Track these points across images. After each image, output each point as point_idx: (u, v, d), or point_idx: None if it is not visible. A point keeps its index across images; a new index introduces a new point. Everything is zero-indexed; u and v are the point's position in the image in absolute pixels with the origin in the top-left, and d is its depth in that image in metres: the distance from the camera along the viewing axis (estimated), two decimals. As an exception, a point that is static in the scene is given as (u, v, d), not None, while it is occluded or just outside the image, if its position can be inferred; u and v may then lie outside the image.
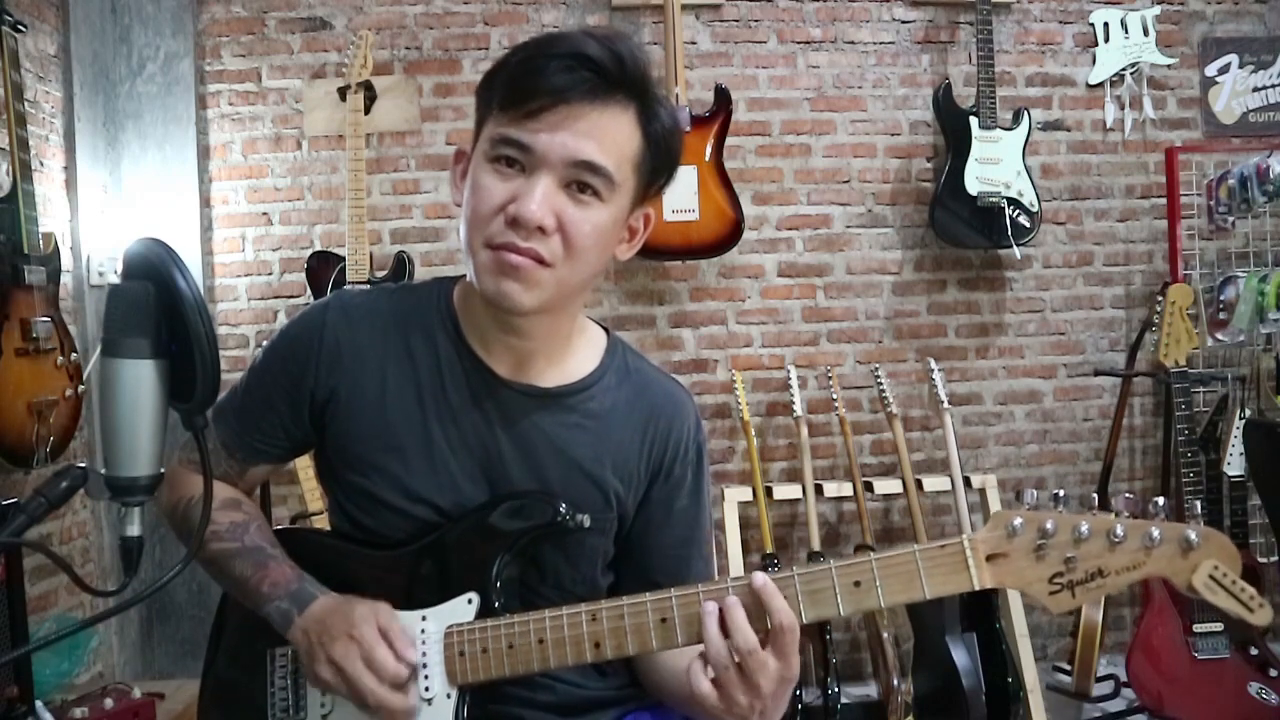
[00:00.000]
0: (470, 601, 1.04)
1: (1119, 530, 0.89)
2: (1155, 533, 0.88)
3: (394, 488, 1.08)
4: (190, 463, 1.18)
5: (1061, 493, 0.97)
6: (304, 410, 1.11)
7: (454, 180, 1.08)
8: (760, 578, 0.93)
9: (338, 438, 1.10)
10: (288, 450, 1.16)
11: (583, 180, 0.97)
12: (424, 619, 1.04)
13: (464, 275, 1.11)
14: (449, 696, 1.02)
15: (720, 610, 0.93)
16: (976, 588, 0.91)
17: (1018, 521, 0.90)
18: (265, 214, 3.00)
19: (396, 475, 1.08)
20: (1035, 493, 0.96)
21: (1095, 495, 2.98)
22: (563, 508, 1.04)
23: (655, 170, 1.04)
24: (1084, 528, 0.89)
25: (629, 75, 0.98)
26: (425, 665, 1.02)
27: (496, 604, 1.04)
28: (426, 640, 1.03)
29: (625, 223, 1.05)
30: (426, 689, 1.02)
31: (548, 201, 0.96)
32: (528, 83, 0.96)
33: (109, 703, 2.09)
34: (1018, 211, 2.93)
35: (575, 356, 1.13)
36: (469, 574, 1.05)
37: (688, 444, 1.16)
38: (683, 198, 2.80)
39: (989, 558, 0.91)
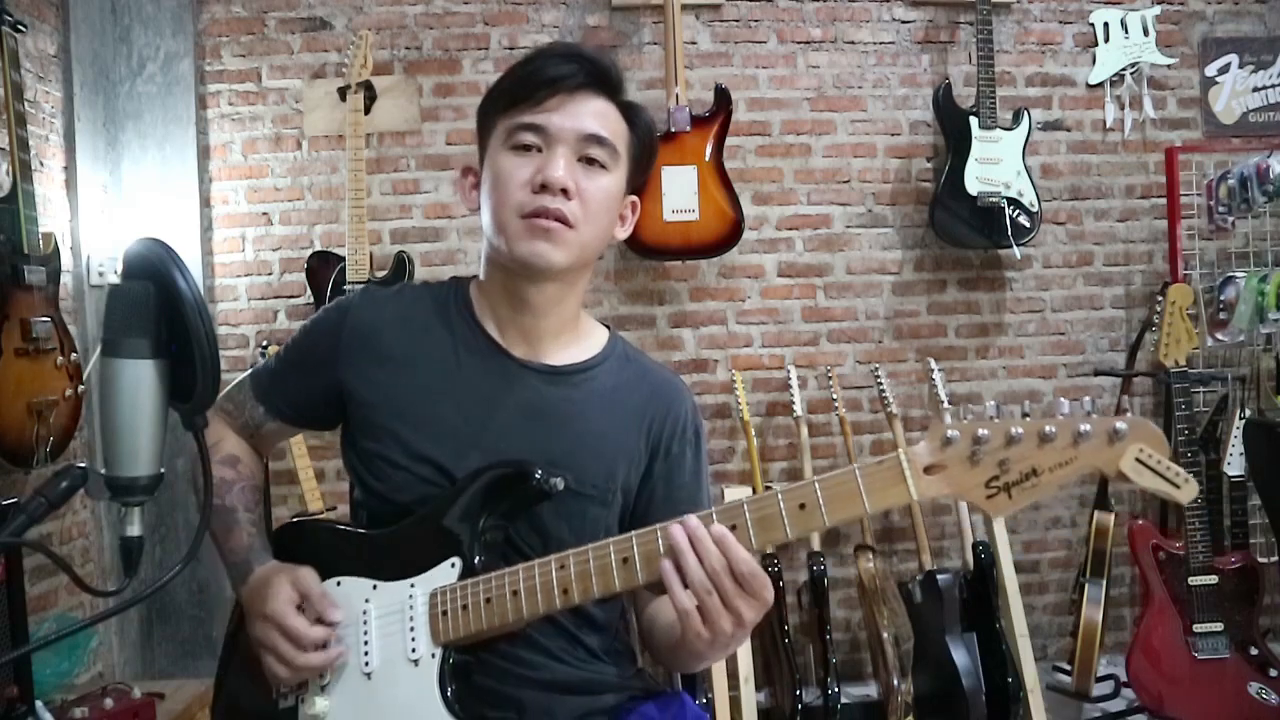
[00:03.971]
0: (453, 565, 1.10)
1: (1049, 429, 0.90)
2: (1084, 428, 0.89)
3: (407, 452, 1.15)
4: (223, 412, 1.29)
5: (994, 404, 0.98)
6: (320, 386, 1.21)
7: (464, 193, 1.23)
8: (718, 529, 0.97)
9: (360, 408, 1.18)
10: (300, 417, 1.27)
11: (590, 154, 1.13)
12: (412, 586, 1.11)
13: (474, 276, 1.25)
14: (434, 656, 1.08)
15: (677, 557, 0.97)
16: (915, 498, 0.93)
17: (952, 433, 0.92)
18: (265, 214, 3.00)
19: (409, 441, 1.15)
20: (975, 408, 0.96)
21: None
22: (538, 472, 1.09)
23: (640, 159, 1.20)
24: (1016, 430, 0.90)
25: (613, 79, 1.16)
26: (413, 629, 1.09)
27: (478, 565, 1.09)
28: (414, 605, 1.09)
29: (621, 201, 1.20)
30: (414, 650, 1.08)
31: (569, 168, 1.11)
32: (533, 78, 1.12)
33: (109, 703, 2.09)
34: (1018, 211, 2.93)
35: (581, 342, 1.24)
36: (452, 540, 1.11)
37: (686, 424, 1.24)
38: (683, 198, 2.80)
39: (927, 469, 0.93)
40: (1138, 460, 0.89)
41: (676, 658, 1.16)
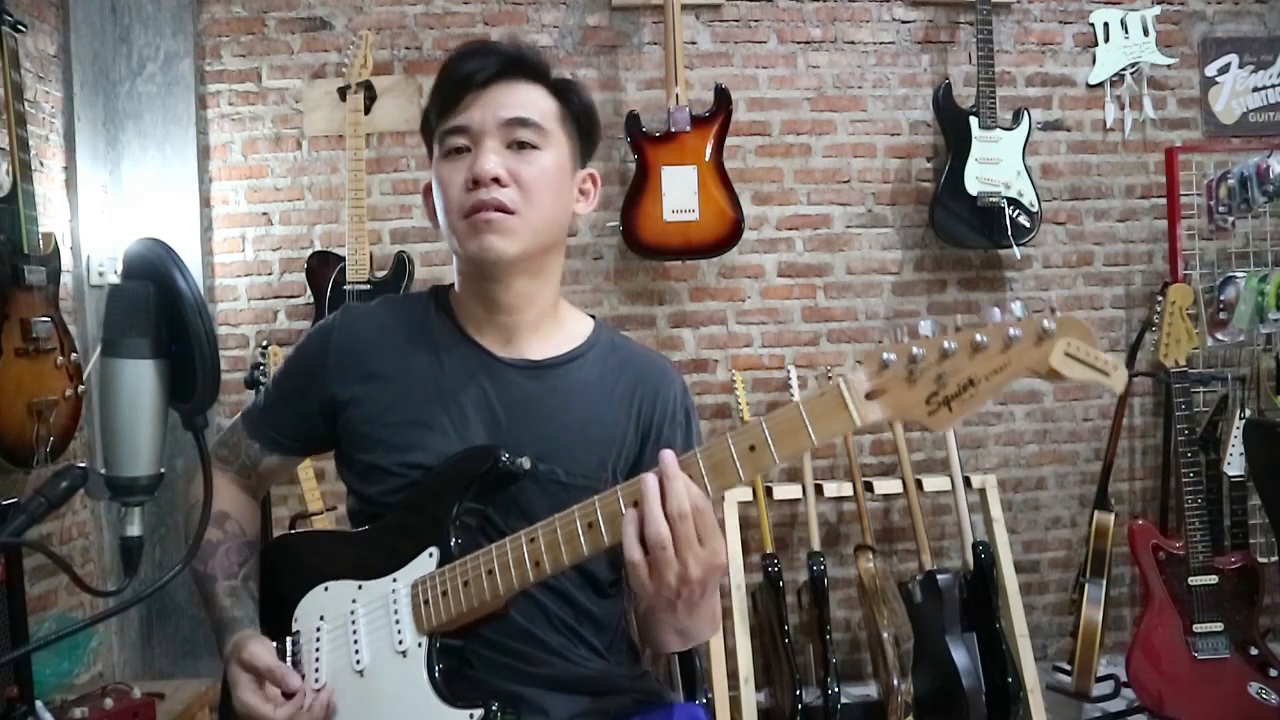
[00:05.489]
0: (431, 555, 1.11)
1: (980, 338, 0.89)
2: (1014, 332, 0.89)
3: (399, 460, 1.16)
4: (219, 460, 1.29)
5: (929, 322, 0.95)
6: (315, 406, 1.23)
7: (429, 214, 1.23)
8: (663, 463, 0.97)
9: (351, 422, 1.20)
10: (298, 444, 1.28)
11: (518, 138, 1.13)
12: (394, 580, 1.13)
13: (453, 284, 1.26)
14: (420, 645, 1.09)
15: (639, 506, 0.97)
16: (859, 424, 0.93)
17: (888, 356, 0.92)
18: (265, 214, 3.00)
19: (400, 448, 1.17)
20: (905, 327, 0.95)
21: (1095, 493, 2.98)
22: (503, 453, 1.10)
23: (580, 127, 1.20)
24: (949, 344, 0.90)
25: (528, 60, 1.16)
26: (398, 621, 1.10)
27: (455, 551, 1.10)
28: (397, 598, 1.12)
29: (571, 176, 1.20)
30: (400, 642, 1.10)
31: (497, 158, 1.12)
32: (449, 81, 1.14)
33: (109, 703, 2.09)
34: (1018, 211, 2.93)
35: (561, 333, 1.23)
36: (427, 531, 1.12)
37: (675, 408, 1.23)
38: (683, 198, 2.80)
39: (868, 395, 0.93)
40: (1067, 354, 0.88)
41: (648, 631, 1.18)
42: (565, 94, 1.18)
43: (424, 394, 1.18)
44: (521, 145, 1.13)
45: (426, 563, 1.11)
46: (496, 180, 1.10)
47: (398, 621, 1.10)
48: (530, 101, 1.15)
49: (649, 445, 1.21)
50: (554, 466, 1.15)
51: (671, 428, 1.22)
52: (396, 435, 1.17)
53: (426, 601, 1.09)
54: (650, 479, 0.97)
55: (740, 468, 0.97)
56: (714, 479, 0.98)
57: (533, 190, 1.12)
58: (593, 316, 1.29)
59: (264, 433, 1.27)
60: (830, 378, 2.91)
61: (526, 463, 1.11)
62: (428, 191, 1.22)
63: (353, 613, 1.14)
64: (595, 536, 1.01)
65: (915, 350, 0.91)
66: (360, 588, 1.14)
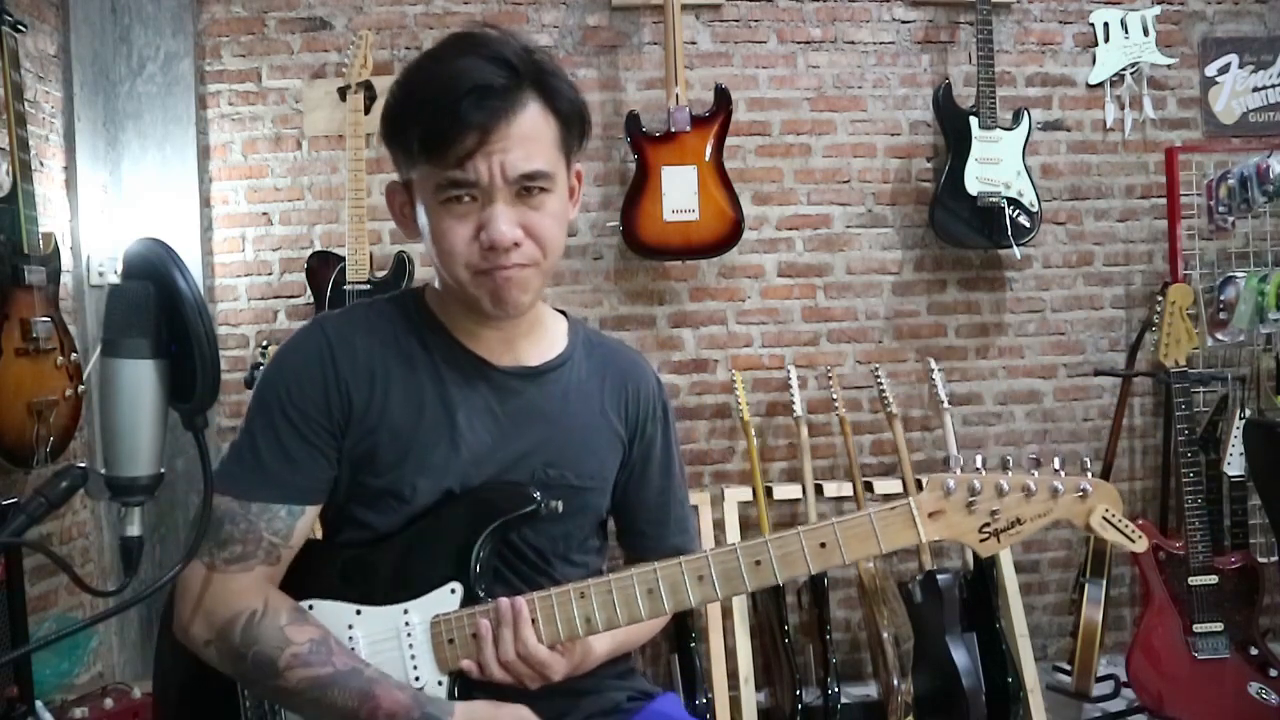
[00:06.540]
0: (453, 591, 1.08)
1: (1031, 485, 1.08)
2: (1058, 485, 1.08)
3: (415, 485, 1.11)
4: (231, 562, 1.06)
5: (981, 456, 1.14)
6: (339, 435, 1.11)
7: (396, 215, 1.16)
8: (504, 606, 1.06)
9: (354, 444, 1.12)
10: (330, 486, 1.13)
11: (528, 186, 1.06)
12: (405, 611, 1.08)
13: (424, 286, 1.21)
14: (440, 684, 1.06)
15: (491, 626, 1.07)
16: (924, 540, 1.08)
17: (951, 483, 1.08)
18: (265, 214, 2.99)
19: (417, 471, 1.11)
20: (963, 457, 1.13)
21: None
22: (538, 495, 1.10)
23: (573, 137, 1.13)
24: (1004, 484, 1.08)
25: (524, 74, 1.05)
26: (414, 656, 1.06)
27: (480, 591, 1.08)
28: (412, 632, 1.07)
29: (569, 193, 1.15)
30: (416, 678, 1.06)
31: (510, 219, 1.05)
32: (450, 129, 1.02)
33: (109, 703, 2.09)
34: (1018, 211, 2.93)
35: (548, 335, 1.23)
36: (449, 565, 1.09)
37: (654, 403, 1.27)
38: (683, 198, 2.80)
39: (930, 514, 1.08)
40: (1104, 518, 1.09)
41: None
42: (556, 97, 1.08)
43: (433, 409, 1.12)
44: (530, 190, 1.06)
45: (448, 598, 1.07)
46: (515, 243, 1.05)
47: (413, 657, 1.06)
48: (534, 136, 1.05)
49: (636, 443, 1.25)
50: (563, 471, 1.16)
51: (653, 425, 1.27)
52: (414, 457, 1.11)
53: (451, 640, 1.05)
54: (484, 625, 1.05)
55: (810, 562, 1.07)
56: (782, 568, 1.07)
57: (546, 239, 1.08)
58: (562, 312, 1.28)
59: (291, 491, 1.08)
60: (831, 374, 2.93)
61: (560, 506, 1.11)
62: (391, 192, 1.14)
63: (350, 639, 1.07)
64: (655, 603, 1.07)
65: (975, 484, 1.08)
66: (359, 613, 1.08)
